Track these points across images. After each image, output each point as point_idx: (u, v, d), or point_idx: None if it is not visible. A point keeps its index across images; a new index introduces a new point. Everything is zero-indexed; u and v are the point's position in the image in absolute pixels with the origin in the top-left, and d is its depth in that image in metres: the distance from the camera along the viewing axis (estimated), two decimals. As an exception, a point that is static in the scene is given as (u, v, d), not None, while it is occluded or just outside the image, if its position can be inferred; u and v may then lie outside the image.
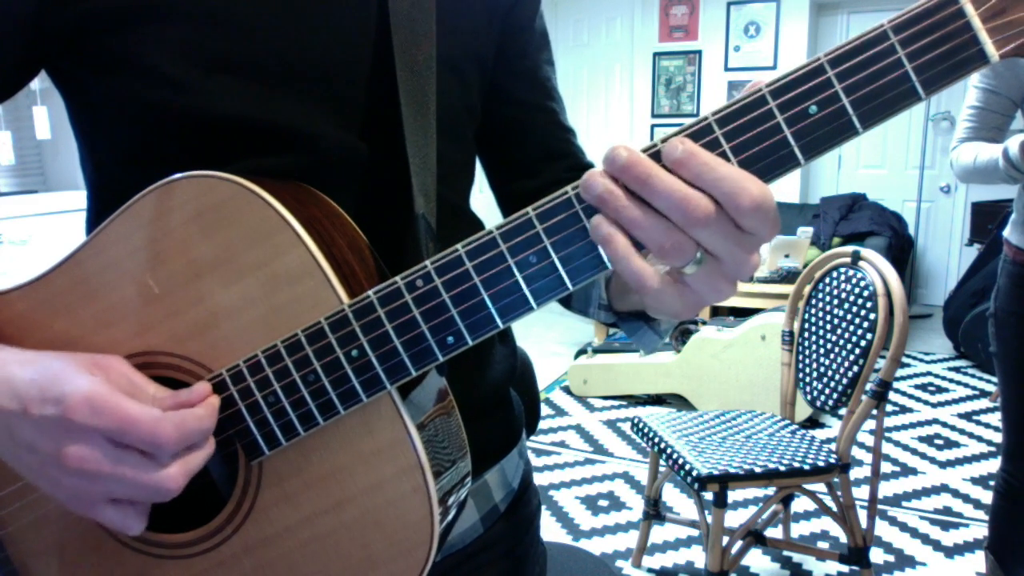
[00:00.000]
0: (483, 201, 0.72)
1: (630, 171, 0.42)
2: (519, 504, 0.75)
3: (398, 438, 0.52)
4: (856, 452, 3.12)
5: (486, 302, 0.48)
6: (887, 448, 3.26)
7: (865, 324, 1.98)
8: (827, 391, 2.10)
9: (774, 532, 2.45)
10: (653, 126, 5.76)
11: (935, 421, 3.56)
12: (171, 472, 0.48)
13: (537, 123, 0.74)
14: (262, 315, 0.52)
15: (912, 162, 5.40)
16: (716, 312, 4.49)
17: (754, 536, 2.15)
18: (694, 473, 1.93)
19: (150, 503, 0.50)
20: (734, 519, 2.63)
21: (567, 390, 4.00)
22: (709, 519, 1.98)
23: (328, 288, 0.50)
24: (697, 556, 2.46)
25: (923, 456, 3.19)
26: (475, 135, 0.72)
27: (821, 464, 1.97)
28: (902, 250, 4.92)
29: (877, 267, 2.00)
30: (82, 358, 0.49)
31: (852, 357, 2.01)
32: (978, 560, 2.40)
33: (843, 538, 2.50)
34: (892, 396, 3.84)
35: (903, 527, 2.63)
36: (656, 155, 0.43)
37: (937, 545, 2.51)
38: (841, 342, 2.07)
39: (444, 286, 0.48)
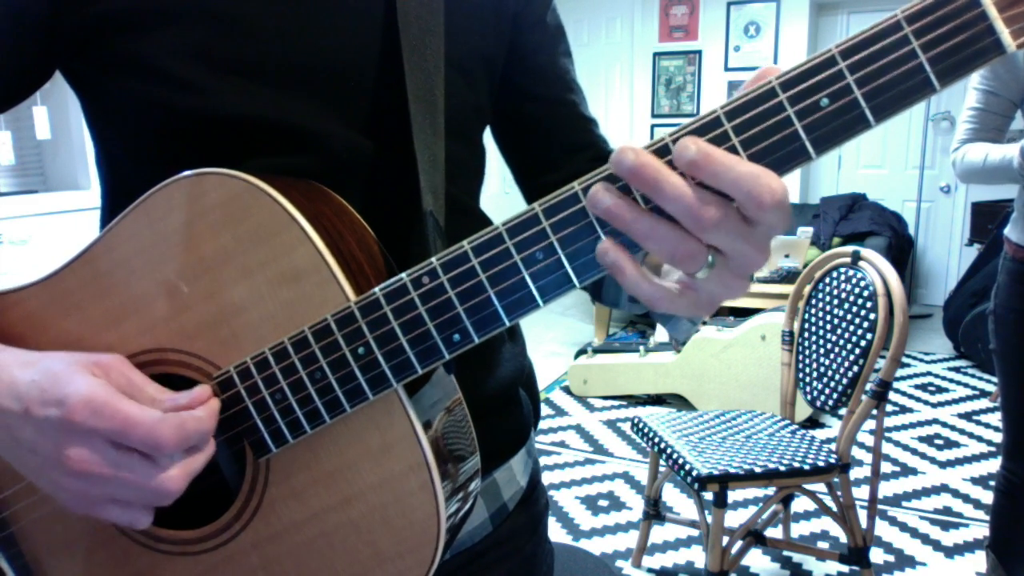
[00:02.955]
0: (487, 202, 0.72)
1: (638, 174, 0.41)
2: (528, 502, 0.75)
3: (405, 435, 0.51)
4: (856, 452, 3.12)
5: (492, 299, 0.47)
6: (887, 448, 3.25)
7: (865, 324, 1.98)
8: (827, 391, 2.10)
9: (774, 532, 2.45)
10: (653, 126, 5.76)
11: (935, 421, 3.56)
12: (172, 474, 0.48)
13: (557, 118, 0.73)
14: (270, 312, 0.51)
15: (912, 162, 5.40)
16: (716, 312, 4.47)
17: (754, 536, 2.14)
18: (694, 473, 1.93)
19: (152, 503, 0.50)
20: (734, 519, 2.62)
21: (567, 390, 4.00)
22: (709, 519, 1.98)
23: (335, 285, 0.50)
24: (697, 556, 2.46)
25: (923, 456, 3.19)
26: (498, 134, 0.72)
27: (821, 464, 1.97)
28: (902, 250, 4.92)
29: (877, 267, 2.00)
30: (84, 358, 0.49)
31: (852, 357, 2.01)
32: (978, 560, 2.40)
33: (843, 538, 2.50)
34: (892, 396, 3.84)
35: (903, 527, 2.63)
36: (661, 151, 0.42)
37: (937, 545, 2.51)
38: (841, 342, 2.06)
39: (450, 283, 0.48)
